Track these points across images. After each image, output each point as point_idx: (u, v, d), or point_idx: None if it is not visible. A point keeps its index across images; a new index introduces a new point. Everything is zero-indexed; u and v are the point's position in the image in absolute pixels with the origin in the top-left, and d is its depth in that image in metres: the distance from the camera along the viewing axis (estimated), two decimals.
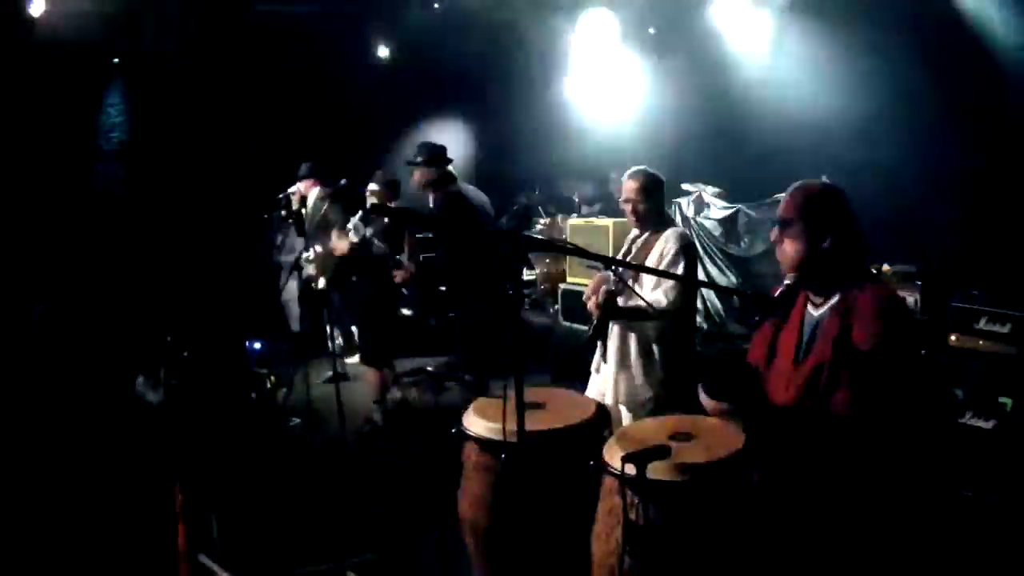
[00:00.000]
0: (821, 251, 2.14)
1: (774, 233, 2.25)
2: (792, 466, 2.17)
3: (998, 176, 4.31)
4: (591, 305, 3.28)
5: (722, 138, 6.59)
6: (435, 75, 8.51)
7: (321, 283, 5.38)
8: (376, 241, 4.89)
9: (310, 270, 5.54)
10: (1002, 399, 3.47)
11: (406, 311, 4.93)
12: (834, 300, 2.17)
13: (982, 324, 3.60)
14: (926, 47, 4.73)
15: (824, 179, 2.44)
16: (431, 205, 4.49)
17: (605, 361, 3.40)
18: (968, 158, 4.44)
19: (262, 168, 7.45)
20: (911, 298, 3.88)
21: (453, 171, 4.59)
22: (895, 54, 4.92)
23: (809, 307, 2.26)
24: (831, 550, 2.16)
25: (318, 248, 5.61)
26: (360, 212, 4.83)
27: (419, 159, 4.54)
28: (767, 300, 2.22)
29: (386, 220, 4.98)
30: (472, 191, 4.58)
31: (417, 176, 4.56)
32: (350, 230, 4.85)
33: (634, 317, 3.23)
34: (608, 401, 3.30)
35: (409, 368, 5.70)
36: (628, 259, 3.36)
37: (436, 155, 4.55)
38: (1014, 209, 4.20)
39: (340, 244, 5.09)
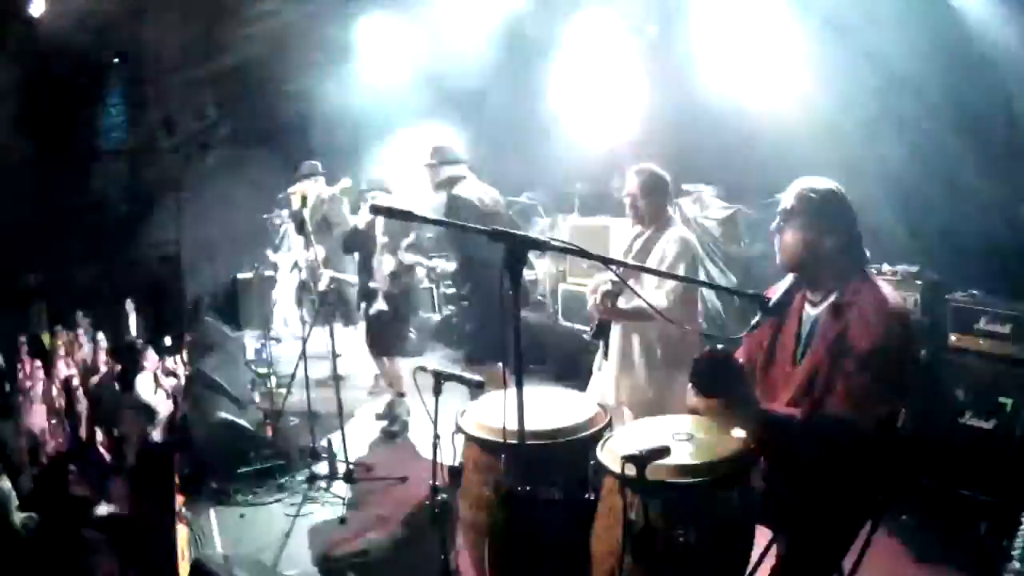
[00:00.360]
0: (821, 246, 2.14)
1: (774, 225, 2.25)
2: (788, 463, 2.18)
3: (999, 176, 4.30)
4: (592, 305, 3.28)
5: (722, 138, 6.58)
6: (435, 75, 8.50)
7: (322, 284, 5.39)
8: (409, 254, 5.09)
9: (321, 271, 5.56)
10: (1002, 399, 3.46)
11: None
12: (832, 298, 2.17)
13: (982, 324, 3.60)
14: (926, 47, 4.73)
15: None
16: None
17: (607, 360, 3.40)
18: (969, 157, 4.44)
19: (262, 168, 7.46)
20: (911, 298, 3.87)
21: (464, 171, 4.56)
22: (895, 55, 4.92)
23: (807, 306, 2.26)
24: (825, 543, 2.17)
25: (319, 248, 5.62)
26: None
27: (431, 161, 4.52)
28: (767, 300, 2.22)
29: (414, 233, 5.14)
30: (483, 190, 4.54)
31: (429, 177, 4.55)
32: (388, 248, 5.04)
33: (635, 317, 3.23)
34: (610, 400, 3.30)
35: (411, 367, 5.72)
36: (629, 257, 3.35)
37: (446, 156, 4.53)
38: (1014, 209, 4.20)
39: (387, 262, 5.25)
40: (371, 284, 5.42)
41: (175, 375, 5.74)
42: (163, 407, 5.28)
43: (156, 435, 5.16)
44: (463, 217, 4.26)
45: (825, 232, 2.14)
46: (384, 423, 5.38)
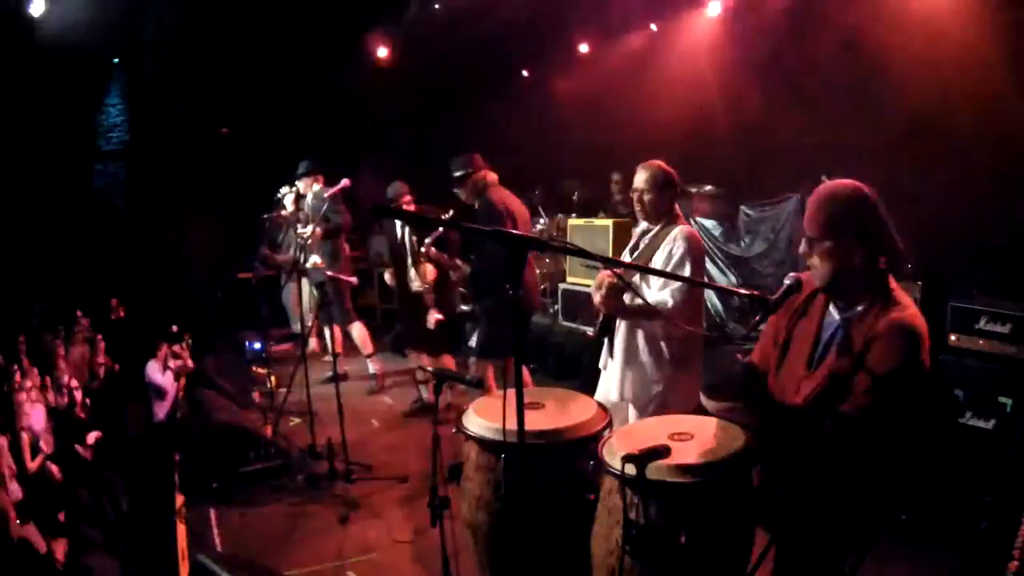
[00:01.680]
0: (852, 262, 2.06)
1: (803, 247, 2.16)
2: (795, 467, 2.17)
3: (998, 175, 4.31)
4: (597, 302, 3.27)
5: (722, 138, 6.60)
6: (434, 75, 8.51)
7: (310, 263, 5.42)
8: (434, 250, 4.95)
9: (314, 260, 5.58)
10: (1002, 399, 3.46)
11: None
12: (859, 309, 2.10)
13: (982, 324, 3.59)
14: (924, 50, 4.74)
15: (824, 179, 2.41)
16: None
17: (612, 358, 3.40)
18: (968, 157, 4.44)
19: (261, 168, 7.46)
20: (911, 297, 3.87)
21: (487, 175, 4.49)
22: (894, 56, 4.93)
23: (831, 308, 2.19)
24: (825, 545, 2.16)
25: (317, 230, 5.70)
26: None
27: (455, 174, 4.46)
28: (767, 300, 2.20)
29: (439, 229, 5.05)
30: (507, 194, 4.53)
31: (465, 191, 4.49)
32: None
33: (641, 315, 3.22)
34: (615, 398, 3.30)
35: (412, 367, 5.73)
36: (635, 254, 3.35)
37: (468, 167, 4.47)
38: (1014, 208, 4.20)
39: (428, 272, 5.18)
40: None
41: (180, 358, 5.96)
42: (171, 387, 5.59)
43: (162, 413, 5.33)
44: (489, 221, 4.22)
45: (854, 246, 2.06)
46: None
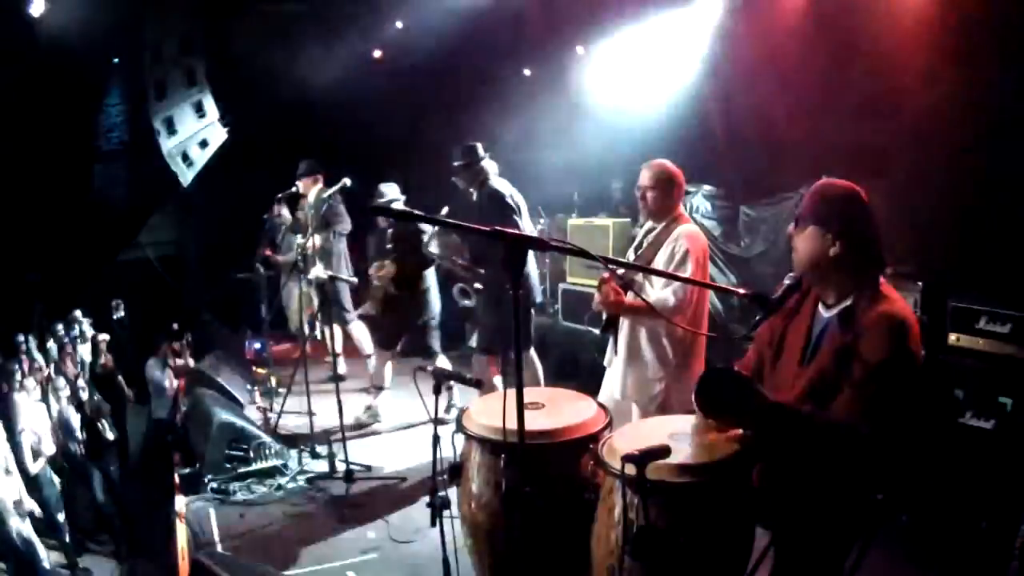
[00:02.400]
0: (833, 253, 2.12)
1: (790, 228, 2.25)
2: (789, 467, 2.17)
3: (998, 175, 4.30)
4: (598, 300, 3.28)
5: (723, 138, 6.59)
6: (435, 75, 8.50)
7: (312, 274, 5.42)
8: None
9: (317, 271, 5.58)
10: (1002, 399, 3.46)
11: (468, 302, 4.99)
12: (845, 304, 2.14)
13: (982, 324, 3.60)
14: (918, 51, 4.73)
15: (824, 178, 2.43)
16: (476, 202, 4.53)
17: (616, 355, 3.40)
18: (967, 156, 4.44)
19: (261, 167, 7.46)
20: (911, 298, 3.87)
21: (488, 165, 4.57)
22: (893, 56, 4.93)
23: (820, 307, 2.23)
24: (824, 544, 2.16)
25: (318, 240, 5.69)
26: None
27: (456, 163, 4.53)
28: (767, 300, 2.21)
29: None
30: (506, 184, 4.57)
31: (465, 178, 4.56)
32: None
33: (642, 314, 3.23)
34: (618, 395, 3.30)
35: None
36: (638, 252, 3.35)
37: (468, 155, 4.54)
38: (1014, 208, 4.19)
39: (383, 272, 5.25)
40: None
41: (179, 356, 5.99)
42: (169, 383, 5.69)
43: (162, 411, 5.37)
44: (498, 211, 4.27)
45: (836, 239, 2.11)
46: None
